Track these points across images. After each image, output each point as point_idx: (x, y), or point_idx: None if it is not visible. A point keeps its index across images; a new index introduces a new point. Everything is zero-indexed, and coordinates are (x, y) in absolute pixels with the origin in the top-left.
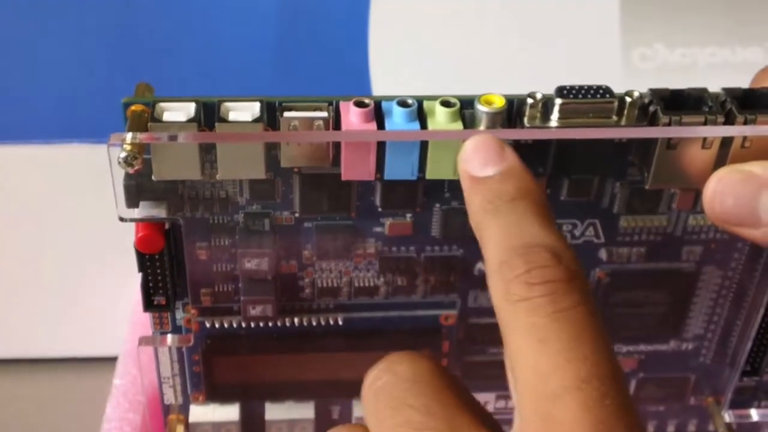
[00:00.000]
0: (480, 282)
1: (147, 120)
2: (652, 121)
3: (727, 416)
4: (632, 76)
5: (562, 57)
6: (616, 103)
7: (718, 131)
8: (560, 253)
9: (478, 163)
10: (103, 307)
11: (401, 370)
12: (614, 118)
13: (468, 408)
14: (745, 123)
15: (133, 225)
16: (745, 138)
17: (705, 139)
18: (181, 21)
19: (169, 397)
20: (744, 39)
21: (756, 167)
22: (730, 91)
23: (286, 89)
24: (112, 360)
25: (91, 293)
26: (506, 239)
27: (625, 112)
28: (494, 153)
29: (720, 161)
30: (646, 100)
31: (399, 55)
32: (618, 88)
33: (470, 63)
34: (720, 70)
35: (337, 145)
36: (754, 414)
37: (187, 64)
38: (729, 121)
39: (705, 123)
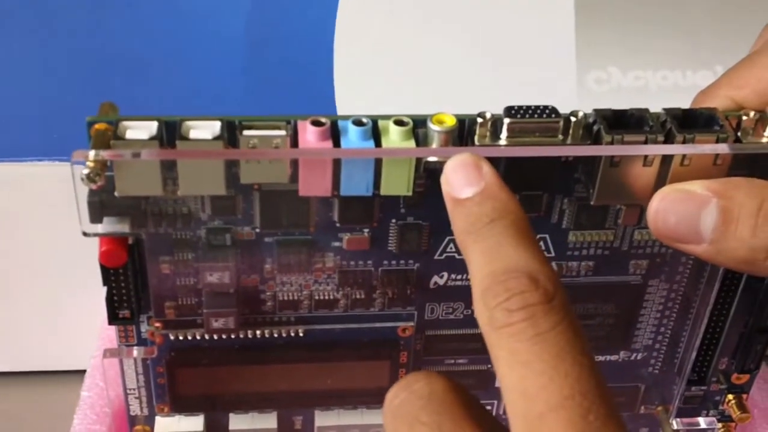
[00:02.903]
0: (436, 295)
1: (110, 138)
2: (596, 139)
3: (675, 424)
4: (587, 99)
5: (518, 79)
6: (561, 123)
7: (658, 149)
8: (537, 276)
9: (458, 184)
10: (74, 322)
11: (418, 388)
12: (560, 136)
13: (480, 424)
14: (684, 142)
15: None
16: (684, 156)
17: (646, 157)
18: (149, 43)
19: (135, 409)
20: (694, 63)
21: (696, 186)
22: (670, 112)
23: (252, 111)
24: (81, 373)
25: (60, 308)
26: (487, 264)
27: (571, 131)
28: (472, 173)
29: (661, 178)
30: (591, 120)
31: (362, 77)
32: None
33: (430, 85)
34: (671, 93)
35: (295, 163)
36: (702, 422)
37: (154, 86)
38: (669, 140)
39: (646, 142)
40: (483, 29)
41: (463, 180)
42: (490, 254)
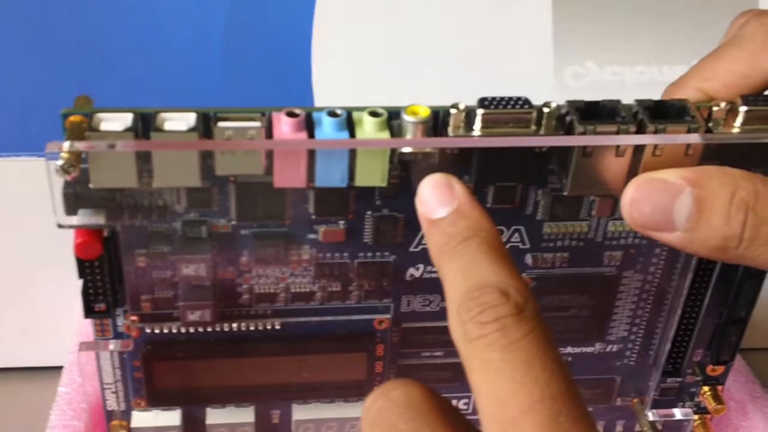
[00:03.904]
0: (412, 287)
1: (85, 130)
2: (569, 130)
3: (651, 415)
4: (564, 93)
5: (496, 74)
6: (534, 114)
7: (630, 140)
8: (508, 290)
9: (432, 205)
10: (52, 318)
11: (395, 395)
12: (533, 127)
13: (457, 430)
14: (656, 132)
15: None
16: (656, 146)
17: (618, 147)
18: (127, 37)
19: (112, 404)
20: (671, 58)
21: (670, 175)
22: (642, 103)
23: (230, 104)
24: (60, 369)
25: (38, 305)
26: (461, 281)
27: (544, 121)
28: (444, 193)
29: (633, 169)
30: (564, 111)
31: (341, 70)
32: None
33: (408, 79)
34: (648, 87)
35: (270, 154)
36: (678, 413)
37: (131, 81)
38: (641, 130)
39: (618, 132)
40: (461, 24)
41: (435, 200)
42: (463, 272)
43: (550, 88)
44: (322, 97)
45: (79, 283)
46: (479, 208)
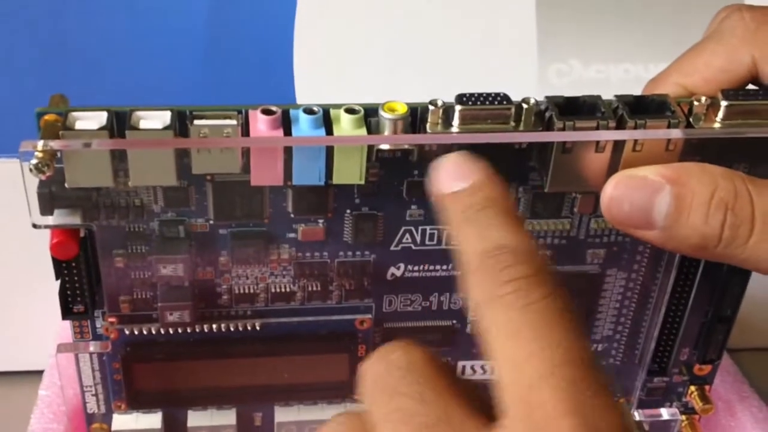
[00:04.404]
0: (393, 287)
1: (60, 129)
2: (548, 126)
3: (638, 415)
4: (548, 91)
5: (479, 72)
6: (513, 110)
7: (609, 135)
8: (525, 252)
9: (448, 179)
10: (33, 322)
11: (395, 358)
12: (512, 123)
13: (460, 394)
14: (636, 127)
15: None
16: (636, 142)
17: (598, 143)
18: (108, 37)
19: (92, 406)
20: (656, 56)
21: (649, 172)
22: (622, 98)
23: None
24: (41, 373)
25: (18, 309)
26: (478, 243)
27: (523, 118)
28: (464, 169)
29: (613, 164)
30: (543, 107)
31: (323, 69)
32: None
33: (390, 77)
34: (633, 85)
35: (247, 153)
36: (665, 413)
37: (110, 81)
38: (620, 125)
39: (597, 127)
40: (444, 22)
41: (455, 174)
42: (480, 236)
43: (534, 87)
44: (304, 96)
45: (57, 285)
46: (497, 182)
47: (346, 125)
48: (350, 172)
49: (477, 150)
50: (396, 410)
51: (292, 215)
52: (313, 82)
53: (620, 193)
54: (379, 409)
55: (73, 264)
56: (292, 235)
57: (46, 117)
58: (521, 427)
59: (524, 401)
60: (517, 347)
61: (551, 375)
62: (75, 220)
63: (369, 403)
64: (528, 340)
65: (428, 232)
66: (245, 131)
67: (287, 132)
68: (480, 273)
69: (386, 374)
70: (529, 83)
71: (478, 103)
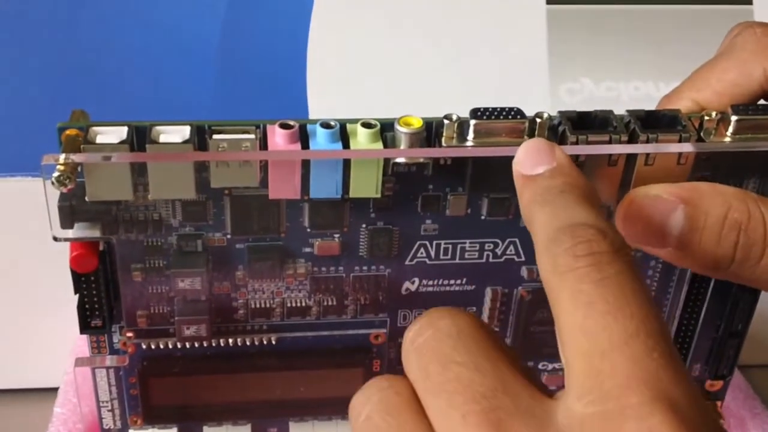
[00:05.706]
0: (408, 301)
1: (81, 143)
2: (561, 140)
3: None
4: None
5: (491, 91)
6: (527, 124)
7: (622, 149)
8: (605, 230)
9: (530, 163)
10: (48, 339)
11: (443, 325)
12: (526, 137)
13: (514, 364)
14: (648, 141)
15: None
16: (648, 156)
17: (611, 156)
18: (122, 52)
19: (108, 422)
20: (666, 74)
21: (663, 191)
22: (633, 113)
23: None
24: (56, 391)
25: (35, 326)
26: (554, 221)
27: (536, 132)
28: (545, 154)
29: (626, 178)
30: (556, 122)
31: (336, 84)
32: None
33: (403, 96)
34: (643, 103)
35: (265, 167)
36: None
37: (127, 96)
38: (632, 139)
39: (610, 141)
40: (456, 41)
41: (536, 159)
42: (557, 214)
43: (546, 105)
44: (316, 110)
45: (75, 300)
46: (578, 170)
47: (362, 139)
48: (367, 185)
49: (491, 163)
50: (451, 380)
51: (308, 229)
52: (326, 96)
53: (635, 212)
54: (430, 378)
55: (92, 278)
56: (308, 249)
57: (68, 132)
58: (591, 397)
59: (595, 370)
60: (590, 317)
61: (625, 344)
62: (95, 233)
63: (418, 371)
64: (602, 313)
65: (443, 246)
66: (263, 145)
67: (304, 146)
68: (555, 246)
69: (436, 342)
70: (541, 102)
71: (493, 117)
